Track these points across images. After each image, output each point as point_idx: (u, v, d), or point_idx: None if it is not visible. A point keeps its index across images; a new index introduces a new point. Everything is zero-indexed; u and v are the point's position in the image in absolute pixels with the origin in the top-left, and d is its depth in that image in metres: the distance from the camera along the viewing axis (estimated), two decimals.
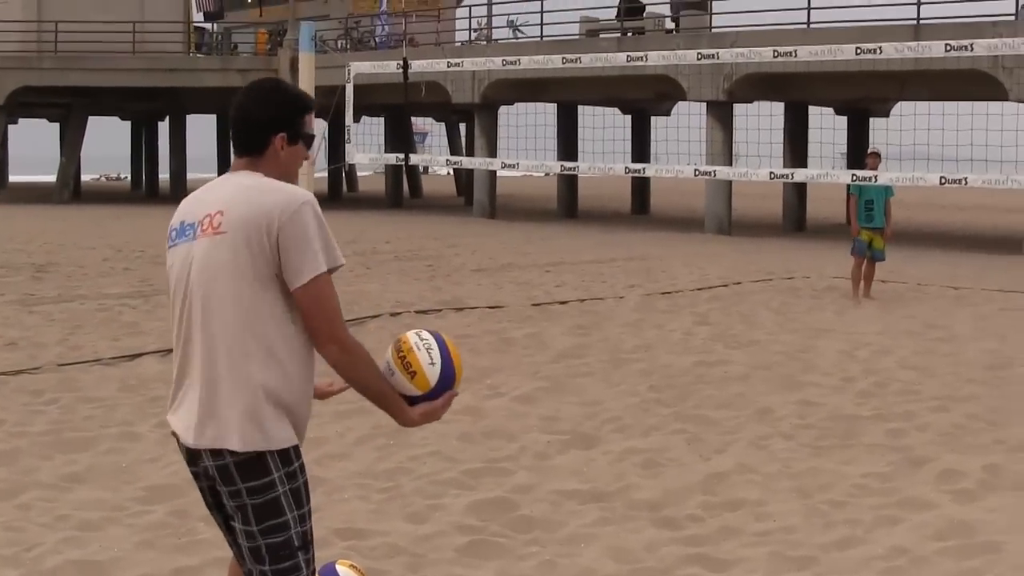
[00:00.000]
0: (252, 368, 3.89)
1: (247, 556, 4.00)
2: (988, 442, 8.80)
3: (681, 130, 39.41)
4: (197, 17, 55.45)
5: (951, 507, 7.17)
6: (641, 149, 45.92)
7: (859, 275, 17.71)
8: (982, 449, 8.56)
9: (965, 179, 12.21)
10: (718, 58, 13.90)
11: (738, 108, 35.64)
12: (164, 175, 53.65)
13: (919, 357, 12.65)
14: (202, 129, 57.68)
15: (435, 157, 40.65)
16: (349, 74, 16.68)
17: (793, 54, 12.68)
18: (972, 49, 12.61)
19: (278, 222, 3.87)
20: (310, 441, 5.43)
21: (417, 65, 16.67)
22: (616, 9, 38.79)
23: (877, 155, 17.56)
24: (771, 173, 13.61)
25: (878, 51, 12.43)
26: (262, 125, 4.07)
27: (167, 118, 53.12)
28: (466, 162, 31.82)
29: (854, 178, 13.72)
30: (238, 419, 3.88)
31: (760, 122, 38.11)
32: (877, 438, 8.84)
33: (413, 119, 61.93)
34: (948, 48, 12.32)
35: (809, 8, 32.69)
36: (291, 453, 3.97)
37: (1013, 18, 29.79)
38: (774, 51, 12.67)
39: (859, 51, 12.30)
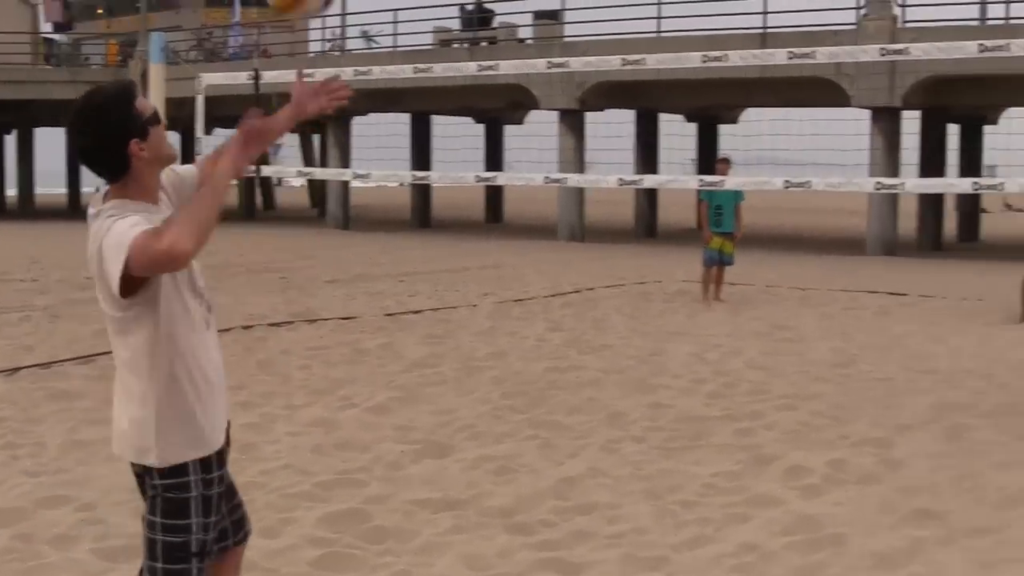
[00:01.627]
0: None
1: (144, 548, 4.05)
2: (833, 438, 9.00)
3: (535, 138, 39.67)
4: (46, 27, 54.53)
5: (798, 502, 7.31)
6: (495, 158, 46.17)
7: (709, 279, 17.99)
8: (827, 445, 8.75)
9: (809, 183, 12.45)
10: (568, 67, 14.02)
11: (590, 116, 35.98)
12: (12, 191, 52.58)
13: (767, 357, 12.90)
14: (51, 142, 56.62)
15: (286, 169, 40.35)
16: (200, 85, 16.49)
17: (641, 62, 12.83)
18: (814, 57, 12.88)
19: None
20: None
21: (269, 76, 16.52)
22: (463, 19, 38.89)
23: (727, 161, 17.88)
24: (620, 179, 13.77)
25: (724, 59, 12.62)
26: (110, 152, 3.90)
27: (14, 131, 52.05)
28: (318, 173, 31.73)
29: (701, 183, 13.94)
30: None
31: (612, 129, 38.47)
32: (726, 438, 8.99)
33: None
34: (791, 56, 12.56)
35: (659, 17, 33.15)
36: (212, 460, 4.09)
37: (854, 27, 30.46)
38: (623, 59, 12.80)
39: (705, 59, 12.47)
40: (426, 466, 8.17)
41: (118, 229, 3.74)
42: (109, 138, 3.87)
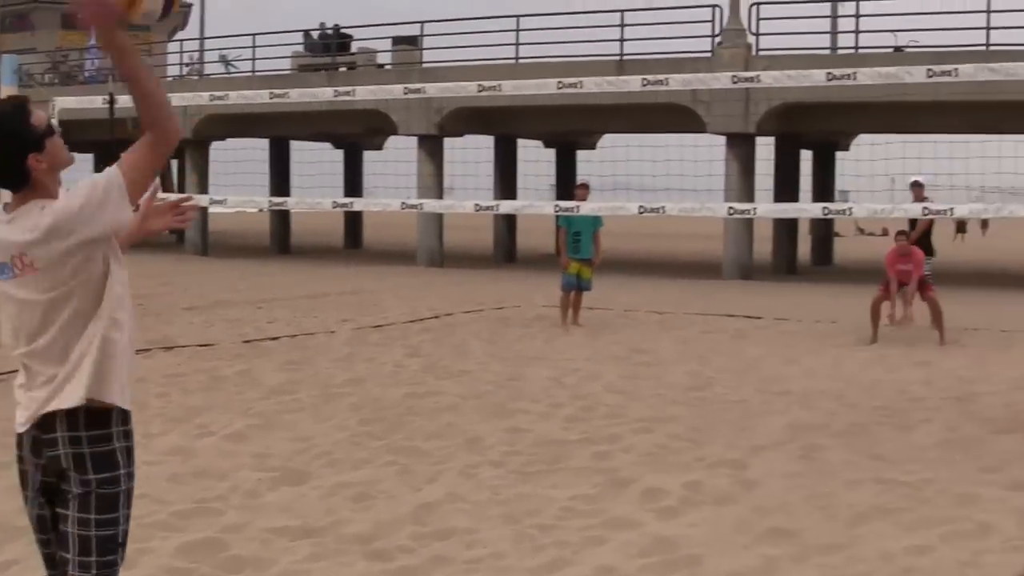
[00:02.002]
0: None
1: (74, 546, 4.14)
2: (689, 460, 9.11)
3: (394, 164, 39.63)
4: None
5: (654, 524, 7.38)
6: (354, 183, 46.04)
7: (567, 304, 18.10)
8: (683, 467, 8.85)
9: (663, 208, 12.61)
10: (425, 92, 14.03)
11: (449, 141, 36.05)
12: None
13: (625, 381, 13.01)
14: None
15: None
16: (53, 109, 16.22)
17: (498, 88, 12.89)
18: (667, 84, 13.05)
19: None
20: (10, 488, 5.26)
21: (124, 100, 16.30)
22: (307, 44, 38.76)
23: (586, 187, 18.00)
24: (476, 205, 13.81)
25: (579, 85, 12.74)
26: (10, 167, 4.03)
27: None
28: (173, 198, 31.21)
29: (557, 208, 14.04)
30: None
31: (471, 155, 38.60)
32: (584, 461, 9.04)
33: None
34: (645, 83, 12.72)
35: (518, 44, 33.32)
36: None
37: (710, 54, 30.93)
38: (479, 85, 12.86)
39: (561, 85, 12.58)
40: (284, 493, 8.09)
41: (82, 191, 3.96)
42: (8, 155, 4.01)
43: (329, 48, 39.33)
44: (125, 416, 4.30)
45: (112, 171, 4.00)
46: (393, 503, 7.84)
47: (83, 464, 4.16)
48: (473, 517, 7.51)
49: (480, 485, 8.31)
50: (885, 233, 19.16)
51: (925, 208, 11.48)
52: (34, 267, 4.05)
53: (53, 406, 4.14)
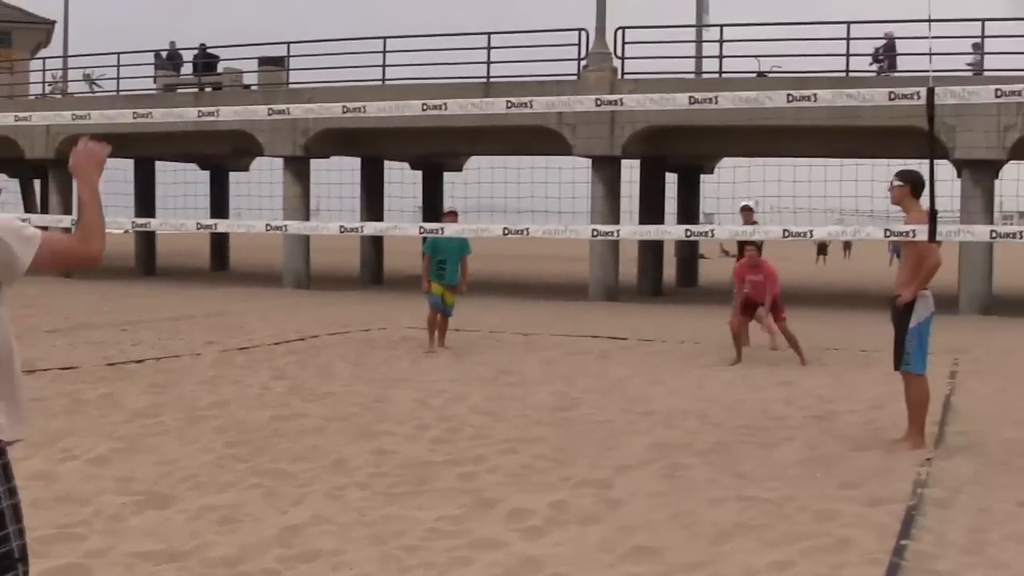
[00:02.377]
0: None
1: None
2: (555, 480, 9.17)
3: (261, 185, 39.45)
4: None
5: (520, 544, 7.41)
6: (219, 205, 45.63)
7: (434, 323, 18.11)
8: (549, 487, 8.90)
9: (527, 230, 12.68)
10: (290, 113, 13.96)
11: (316, 163, 35.93)
12: None
13: (490, 402, 13.06)
14: None
15: (2, 215, 38.98)
16: None
17: (362, 110, 12.88)
18: (532, 106, 13.13)
19: None
20: None
21: (37, 118, 16.04)
22: (191, 64, 38.55)
23: (454, 213, 17.96)
24: (341, 226, 13.75)
25: (443, 107, 12.77)
26: None
27: None
28: (34, 219, 30.70)
29: (422, 230, 14.06)
30: None
31: (339, 176, 38.55)
32: (450, 482, 9.06)
33: None
34: (509, 105, 12.79)
35: (384, 65, 33.31)
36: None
37: (575, 77, 31.20)
38: (343, 107, 12.83)
39: (425, 107, 12.60)
40: (148, 517, 7.99)
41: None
42: None
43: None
44: None
45: (34, 230, 4.19)
46: (258, 526, 7.78)
47: None
48: (339, 539, 7.49)
49: (346, 507, 8.28)
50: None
51: (785, 230, 11.67)
52: None
53: None
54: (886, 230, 10.89)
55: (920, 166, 11.07)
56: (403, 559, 7.09)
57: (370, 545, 7.36)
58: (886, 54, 31.41)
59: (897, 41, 30.65)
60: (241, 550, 7.23)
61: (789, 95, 11.42)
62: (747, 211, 18.71)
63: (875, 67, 31.11)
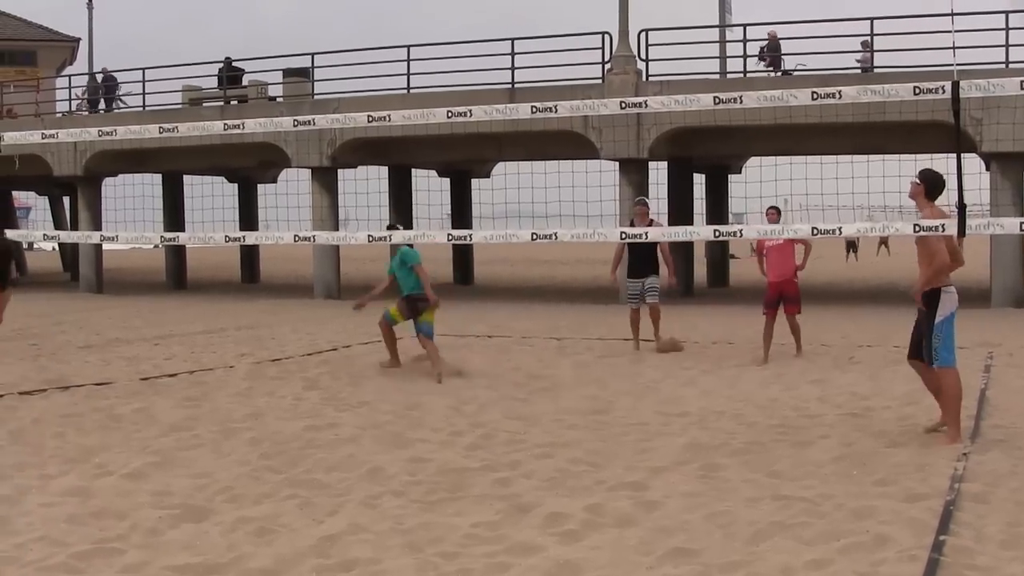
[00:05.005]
0: None
1: None
2: (590, 484, 9.16)
3: (289, 196, 39.58)
4: None
5: (557, 548, 7.41)
6: (248, 217, 45.75)
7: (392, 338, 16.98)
8: (584, 491, 8.90)
9: (555, 234, 12.70)
10: (316, 124, 14.00)
11: (343, 173, 35.99)
12: None
13: (524, 407, 13.07)
14: None
15: (33, 232, 39.24)
16: None
17: (388, 118, 12.92)
18: (557, 111, 13.14)
19: None
20: None
21: (11, 137, 16.11)
22: (216, 78, 38.69)
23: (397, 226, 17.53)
24: (369, 236, 13.79)
25: (469, 114, 12.80)
26: None
27: None
28: (63, 236, 31.01)
29: (450, 237, 14.09)
30: None
31: (367, 186, 38.61)
32: (485, 488, 9.06)
33: (14, 193, 59.85)
34: (534, 110, 12.80)
35: (409, 74, 33.34)
36: None
37: (600, 81, 31.17)
38: (368, 116, 12.88)
39: (450, 114, 12.64)
40: (184, 531, 8.02)
41: None
42: None
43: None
44: None
45: None
46: (295, 536, 7.80)
47: None
48: (376, 547, 7.50)
49: (382, 515, 8.29)
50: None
51: (815, 228, 11.65)
52: None
53: None
54: (915, 225, 10.84)
55: (947, 160, 11.05)
56: (440, 566, 7.09)
57: (407, 553, 7.37)
58: (770, 53, 32.25)
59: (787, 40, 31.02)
60: (278, 561, 7.25)
61: (814, 93, 11.41)
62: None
63: (761, 66, 31.75)
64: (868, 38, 30.14)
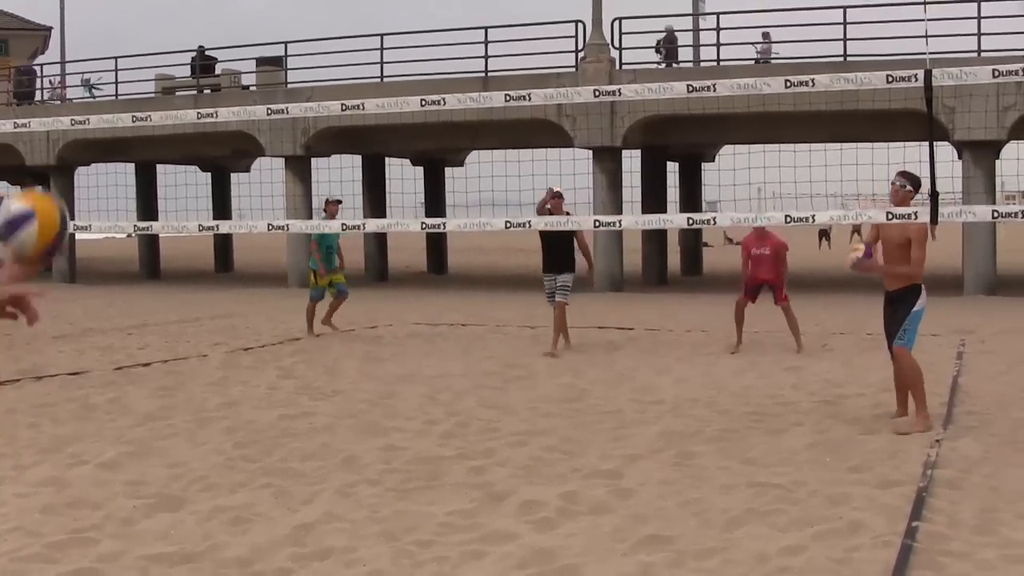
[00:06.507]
0: None
1: None
2: (565, 471, 9.18)
3: (263, 185, 39.53)
4: None
5: (532, 536, 7.42)
6: (222, 206, 45.66)
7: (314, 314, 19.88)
8: (559, 479, 8.91)
9: (529, 222, 12.71)
10: (290, 113, 13.97)
11: (316, 162, 35.93)
12: None
13: (499, 395, 13.08)
14: None
15: None
16: None
17: (361, 107, 12.90)
18: (530, 99, 13.13)
19: None
20: None
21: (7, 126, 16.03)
22: (190, 67, 38.56)
23: (338, 202, 19.18)
24: (344, 224, 13.79)
25: (442, 102, 12.79)
26: None
27: None
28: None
29: (424, 226, 14.10)
30: None
31: (342, 174, 38.58)
32: (460, 477, 9.07)
33: None
34: (508, 98, 12.80)
35: (382, 63, 33.30)
36: None
37: (574, 69, 31.17)
38: (342, 105, 12.86)
39: (424, 103, 12.63)
40: (160, 520, 8.00)
41: None
42: None
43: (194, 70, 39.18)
44: None
45: None
46: (271, 525, 7.79)
47: None
48: (352, 536, 7.50)
49: (358, 504, 8.29)
50: None
51: (787, 216, 11.68)
52: None
53: None
54: (888, 213, 10.88)
55: (920, 148, 11.11)
56: (416, 554, 7.10)
57: (383, 541, 7.37)
58: (667, 46, 32.89)
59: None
60: (254, 550, 7.25)
61: (787, 81, 11.44)
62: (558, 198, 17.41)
63: (658, 58, 32.21)
64: (768, 29, 30.70)
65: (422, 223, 14.19)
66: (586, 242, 17.40)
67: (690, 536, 7.32)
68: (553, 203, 16.62)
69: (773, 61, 31.43)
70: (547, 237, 16.82)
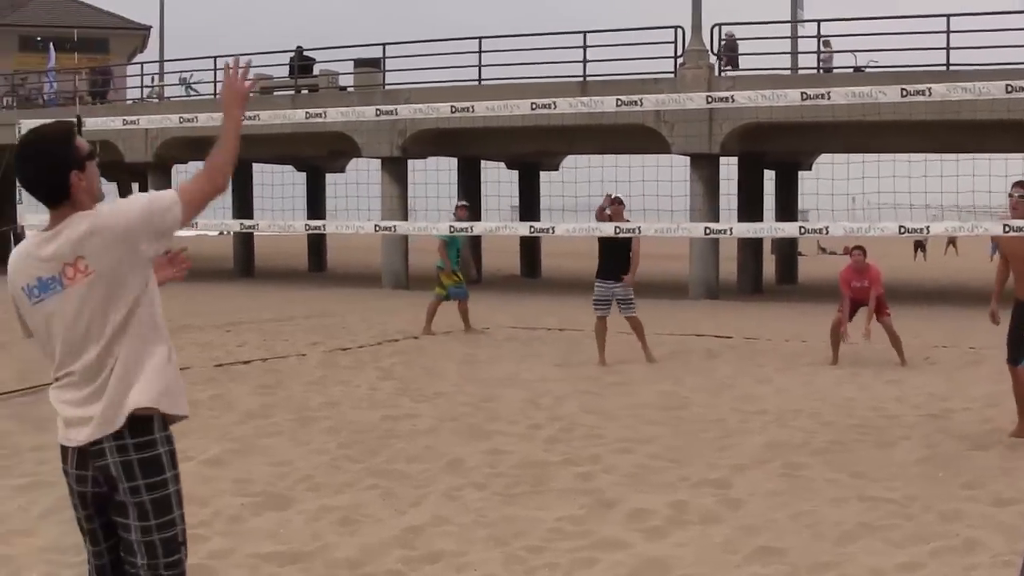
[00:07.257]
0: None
1: (141, 552, 4.39)
2: (672, 480, 9.10)
3: (357, 186, 39.62)
4: None
5: (643, 545, 7.37)
6: (316, 206, 45.87)
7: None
8: (667, 487, 8.84)
9: (639, 228, 12.63)
10: (395, 114, 14.00)
11: (411, 163, 36.01)
12: None
13: (600, 401, 13.02)
14: None
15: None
16: (19, 132, 16.09)
17: (470, 109, 12.88)
18: (641, 104, 13.02)
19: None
20: None
21: (92, 123, 16.17)
22: (288, 66, 38.81)
23: (467, 206, 19.56)
24: (451, 227, 13.79)
25: (552, 106, 12.74)
26: (54, 180, 4.39)
27: None
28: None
29: (532, 229, 14.06)
30: None
31: (437, 176, 38.60)
32: (567, 482, 9.03)
33: None
34: (619, 103, 12.68)
35: (480, 65, 33.34)
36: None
37: (672, 75, 31.01)
38: (451, 106, 12.84)
39: (534, 106, 12.58)
40: (268, 519, 8.03)
41: (139, 203, 4.47)
42: (54, 168, 4.41)
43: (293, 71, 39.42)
44: (165, 421, 4.49)
45: (170, 194, 4.52)
46: (379, 527, 7.79)
47: (132, 471, 4.38)
48: (460, 540, 7.48)
49: (465, 507, 8.27)
50: (847, 252, 19.29)
51: (901, 227, 11.50)
52: (87, 271, 4.33)
53: (107, 421, 4.35)
54: (1005, 225, 10.68)
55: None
56: (527, 560, 7.06)
57: (492, 546, 7.35)
58: (727, 53, 32.28)
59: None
60: (363, 551, 7.24)
61: (903, 90, 11.26)
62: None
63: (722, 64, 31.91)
64: (829, 38, 30.19)
65: (530, 226, 14.13)
66: (639, 251, 16.96)
67: (803, 549, 7.23)
68: (613, 209, 16.33)
69: (835, 70, 31.13)
70: (606, 243, 16.55)
